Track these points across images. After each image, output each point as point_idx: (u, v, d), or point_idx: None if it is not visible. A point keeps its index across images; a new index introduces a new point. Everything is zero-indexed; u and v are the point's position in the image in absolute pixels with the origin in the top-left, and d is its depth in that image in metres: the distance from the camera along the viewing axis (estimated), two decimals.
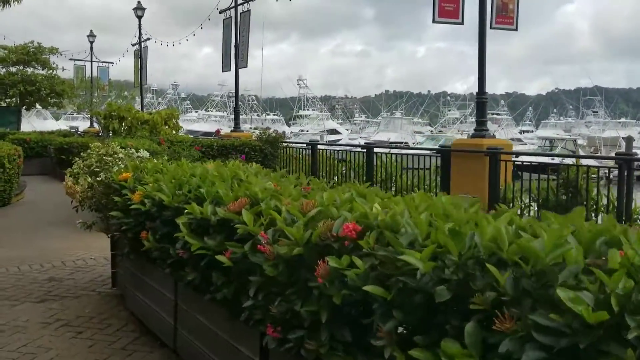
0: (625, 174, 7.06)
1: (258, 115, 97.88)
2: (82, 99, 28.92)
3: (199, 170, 3.79)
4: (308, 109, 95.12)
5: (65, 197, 12.76)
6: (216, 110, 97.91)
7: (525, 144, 56.94)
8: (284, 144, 14.84)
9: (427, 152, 12.08)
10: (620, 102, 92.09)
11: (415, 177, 11.66)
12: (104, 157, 5.24)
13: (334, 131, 78.85)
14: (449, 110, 73.82)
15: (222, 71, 18.39)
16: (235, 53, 17.38)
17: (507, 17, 10.08)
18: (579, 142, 57.12)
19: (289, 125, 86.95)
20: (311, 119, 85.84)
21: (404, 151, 12.64)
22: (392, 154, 12.00)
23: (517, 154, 11.37)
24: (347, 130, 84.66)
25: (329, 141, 46.00)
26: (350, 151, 13.18)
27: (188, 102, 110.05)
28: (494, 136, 11.40)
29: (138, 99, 28.03)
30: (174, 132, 14.41)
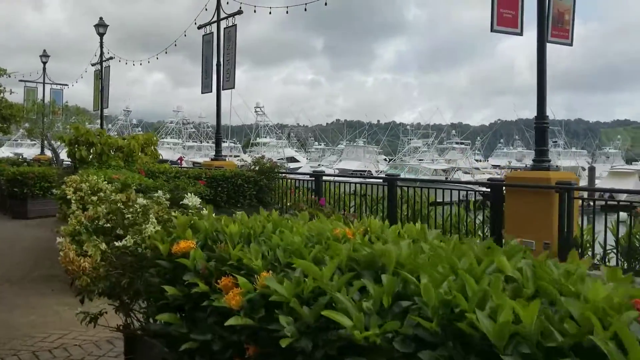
0: None
1: (214, 142, 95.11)
2: (33, 123, 26.12)
3: (394, 249, 1.84)
4: (265, 137, 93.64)
5: (25, 241, 10.46)
6: (170, 137, 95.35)
7: (484, 173, 56.76)
8: (282, 175, 12.93)
9: (470, 186, 10.43)
10: (561, 132, 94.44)
11: (448, 214, 9.96)
12: (121, 207, 3.23)
13: (292, 159, 77.62)
14: (410, 140, 73.27)
15: (202, 92, 16.35)
16: (217, 72, 15.45)
17: (562, 30, 8.59)
18: None
19: (245, 153, 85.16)
20: (269, 147, 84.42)
21: (435, 185, 10.89)
22: (419, 187, 10.26)
23: (597, 191, 9.79)
24: (304, 158, 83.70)
25: (289, 169, 44.26)
26: (364, 183, 11.40)
27: (140, 128, 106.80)
28: (557, 167, 9.83)
29: (91, 124, 25.45)
30: (153, 161, 12.26)
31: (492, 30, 7.95)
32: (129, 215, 3.27)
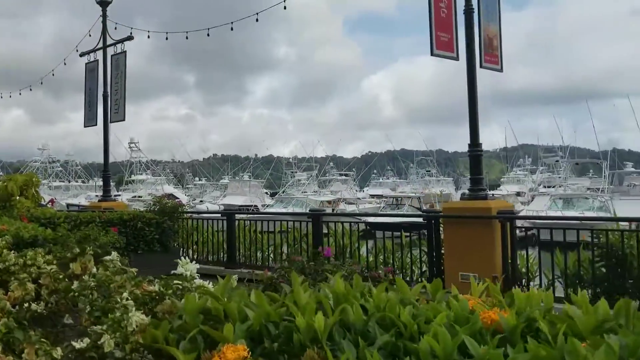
0: None
1: (83, 181, 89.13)
2: None
3: None
4: (141, 173, 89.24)
5: None
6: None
7: (365, 204, 58.16)
8: (187, 215, 11.73)
9: (403, 219, 9.94)
10: (423, 162, 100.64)
11: (380, 251, 9.37)
12: (68, 283, 2.16)
13: (171, 196, 74.28)
14: (294, 173, 73.44)
15: (85, 126, 14.70)
16: (104, 103, 13.98)
17: (493, 56, 8.44)
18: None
19: (118, 191, 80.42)
20: (146, 184, 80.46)
21: (362, 218, 10.30)
22: (344, 222, 9.62)
23: (541, 219, 9.64)
24: (183, 194, 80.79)
25: None
26: (284, 220, 10.56)
27: None
28: (492, 196, 9.61)
29: None
30: (34, 205, 10.52)
31: (432, 54, 7.56)
32: (80, 294, 2.21)
